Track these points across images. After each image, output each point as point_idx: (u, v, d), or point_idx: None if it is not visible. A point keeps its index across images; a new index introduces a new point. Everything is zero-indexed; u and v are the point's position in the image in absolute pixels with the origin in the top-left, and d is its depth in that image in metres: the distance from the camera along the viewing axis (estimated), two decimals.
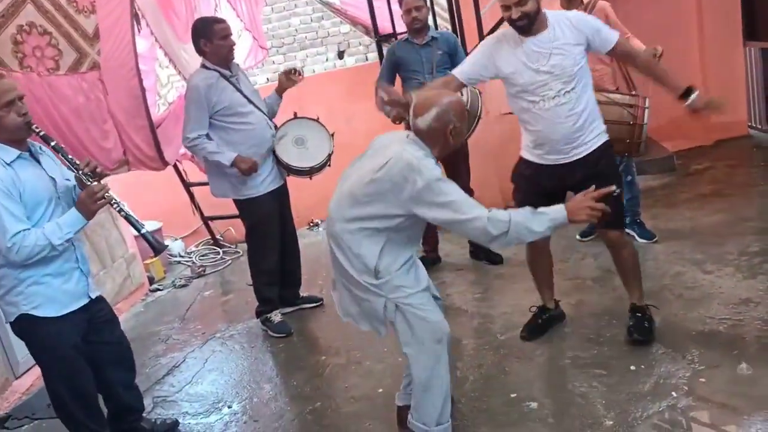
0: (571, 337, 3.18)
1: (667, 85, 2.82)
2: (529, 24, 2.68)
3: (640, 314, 3.03)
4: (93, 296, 2.67)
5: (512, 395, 2.82)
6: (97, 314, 2.70)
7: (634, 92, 3.73)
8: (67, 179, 2.61)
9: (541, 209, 2.24)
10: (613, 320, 3.19)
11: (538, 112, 2.77)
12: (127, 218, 2.62)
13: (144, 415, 3.03)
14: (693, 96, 2.73)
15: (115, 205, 2.54)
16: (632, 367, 2.82)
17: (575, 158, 2.82)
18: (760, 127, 5.97)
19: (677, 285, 3.48)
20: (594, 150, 2.82)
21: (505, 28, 2.87)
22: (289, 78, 3.87)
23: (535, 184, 2.95)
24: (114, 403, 2.90)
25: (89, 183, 2.48)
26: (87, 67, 3.56)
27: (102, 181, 2.51)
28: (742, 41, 5.85)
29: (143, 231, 2.64)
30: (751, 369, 2.65)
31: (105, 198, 2.46)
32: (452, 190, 2.22)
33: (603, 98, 3.57)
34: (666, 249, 3.94)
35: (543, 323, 3.26)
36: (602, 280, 3.72)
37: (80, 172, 2.49)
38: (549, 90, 2.72)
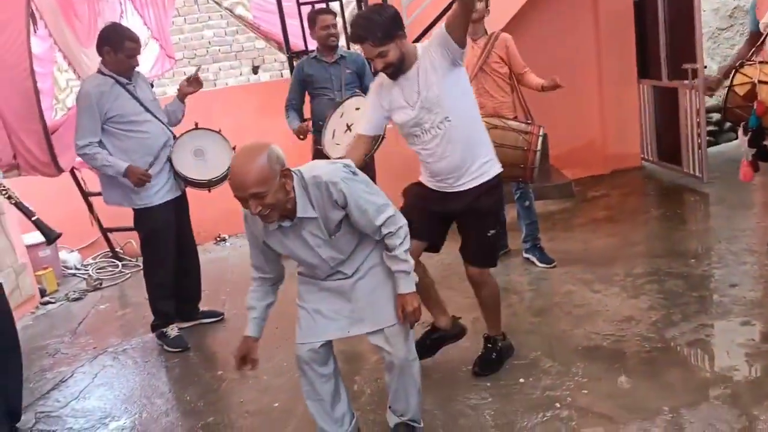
0: (467, 351, 3.25)
1: None
2: (396, 70, 2.67)
3: (490, 345, 3.08)
4: None
5: None
6: None
7: (530, 121, 3.90)
8: None
9: None
10: (507, 336, 3.29)
11: (422, 146, 2.79)
12: (18, 205, 2.60)
13: (21, 427, 2.90)
14: None
15: (4, 192, 2.49)
16: (521, 380, 2.93)
17: (459, 189, 2.82)
18: (651, 159, 6.40)
19: (567, 303, 3.65)
20: (478, 185, 2.80)
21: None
22: (191, 83, 3.80)
23: (423, 200, 2.94)
24: None
25: None
26: None
27: None
28: (637, 79, 6.29)
29: (34, 218, 2.63)
30: (630, 382, 2.80)
31: None
32: None
33: (500, 123, 3.74)
34: (559, 269, 4.13)
35: (432, 343, 3.19)
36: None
37: None
38: (425, 123, 2.72)
